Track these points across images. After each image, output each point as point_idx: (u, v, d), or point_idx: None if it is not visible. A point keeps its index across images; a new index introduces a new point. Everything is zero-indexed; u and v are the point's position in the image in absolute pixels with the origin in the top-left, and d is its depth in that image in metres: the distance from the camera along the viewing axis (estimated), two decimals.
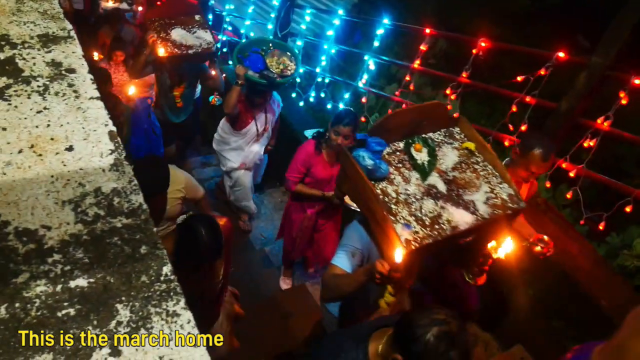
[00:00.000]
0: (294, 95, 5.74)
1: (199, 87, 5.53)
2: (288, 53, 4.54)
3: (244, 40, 5.16)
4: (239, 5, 7.10)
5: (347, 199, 3.60)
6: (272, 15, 6.25)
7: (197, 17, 4.74)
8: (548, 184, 3.74)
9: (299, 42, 5.62)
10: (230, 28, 7.11)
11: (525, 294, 3.60)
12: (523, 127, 3.73)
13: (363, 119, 5.30)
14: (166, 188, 2.95)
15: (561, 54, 3.44)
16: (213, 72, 4.94)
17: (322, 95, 5.57)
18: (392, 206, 2.16)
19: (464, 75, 4.01)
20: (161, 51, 4.34)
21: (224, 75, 5.52)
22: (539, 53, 3.64)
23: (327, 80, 5.45)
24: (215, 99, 5.07)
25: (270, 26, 6.00)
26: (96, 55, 5.98)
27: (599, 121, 3.38)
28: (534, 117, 3.74)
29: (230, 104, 4.38)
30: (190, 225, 2.65)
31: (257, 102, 4.57)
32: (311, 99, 5.72)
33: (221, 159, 4.97)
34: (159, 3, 5.22)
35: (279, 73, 4.35)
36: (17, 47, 1.36)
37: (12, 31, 1.40)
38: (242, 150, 4.80)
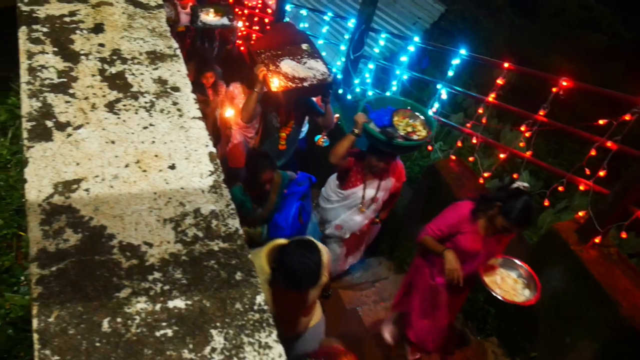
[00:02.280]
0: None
1: (306, 126, 5.00)
2: (423, 118, 3.90)
3: (373, 95, 4.41)
4: (313, 25, 7.21)
5: (488, 279, 3.26)
6: (346, 37, 6.32)
7: (304, 45, 4.23)
8: (624, 235, 3.57)
9: (371, 66, 5.64)
10: None
11: (590, 348, 3.44)
12: (601, 173, 3.58)
13: (430, 147, 5.25)
14: (317, 280, 2.48)
15: None
16: (325, 108, 4.27)
17: None
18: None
19: (541, 113, 3.90)
20: (274, 85, 3.85)
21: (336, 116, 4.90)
22: (624, 97, 3.49)
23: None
24: (322, 140, 4.56)
25: (343, 47, 6.05)
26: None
27: None
28: (614, 164, 3.59)
29: (339, 153, 3.71)
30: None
31: (374, 164, 3.83)
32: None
33: (319, 212, 4.30)
34: (255, 31, 4.97)
35: (404, 134, 3.65)
36: (127, 63, 1.41)
37: (123, 46, 1.45)
38: (340, 215, 4.12)
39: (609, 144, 3.54)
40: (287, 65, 3.97)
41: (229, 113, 5.07)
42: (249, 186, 3.66)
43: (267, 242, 3.84)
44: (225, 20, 6.01)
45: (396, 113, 3.84)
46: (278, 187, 3.75)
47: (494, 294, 3.18)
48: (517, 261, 3.38)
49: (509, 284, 3.34)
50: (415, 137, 3.69)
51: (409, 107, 3.93)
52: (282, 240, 2.62)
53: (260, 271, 2.47)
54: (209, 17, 5.81)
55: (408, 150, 4.17)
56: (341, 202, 4.07)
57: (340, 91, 5.90)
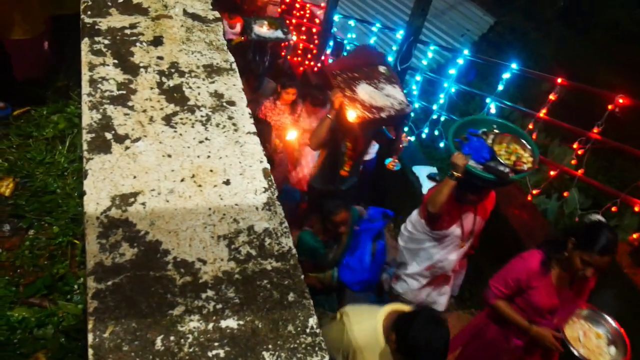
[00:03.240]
0: (406, 129, 5.68)
1: (375, 146, 4.80)
2: (522, 140, 3.31)
3: (459, 119, 3.78)
4: (361, 35, 7.19)
5: (568, 334, 2.97)
6: (394, 48, 6.28)
7: (382, 68, 3.83)
8: None
9: (418, 78, 5.58)
10: None
11: None
12: None
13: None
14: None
15: None
16: (396, 134, 4.01)
17: (436, 132, 5.47)
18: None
19: (594, 130, 3.78)
20: (352, 116, 3.50)
21: (405, 138, 4.49)
22: None
23: (442, 119, 5.35)
24: (393, 163, 4.20)
25: (390, 59, 6.01)
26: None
27: None
28: None
29: (440, 202, 3.20)
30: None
31: (471, 199, 3.41)
32: (423, 135, 5.63)
33: (402, 254, 3.71)
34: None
35: (511, 165, 3.11)
36: (184, 76, 1.42)
37: (181, 59, 1.46)
38: (434, 257, 3.60)
39: None
40: (364, 91, 3.63)
41: (292, 135, 4.86)
42: (319, 230, 3.39)
43: (338, 285, 3.69)
44: (279, 33, 5.86)
45: (488, 138, 3.29)
46: (348, 225, 3.48)
47: (575, 354, 2.86)
48: (604, 314, 3.07)
49: (593, 341, 2.99)
50: (524, 167, 3.14)
51: (494, 127, 3.38)
52: (403, 307, 2.38)
53: (373, 341, 2.29)
54: (263, 29, 5.69)
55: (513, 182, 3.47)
56: (434, 242, 3.53)
57: None
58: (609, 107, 3.67)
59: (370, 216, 3.69)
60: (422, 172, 5.03)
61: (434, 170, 5.12)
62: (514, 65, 4.48)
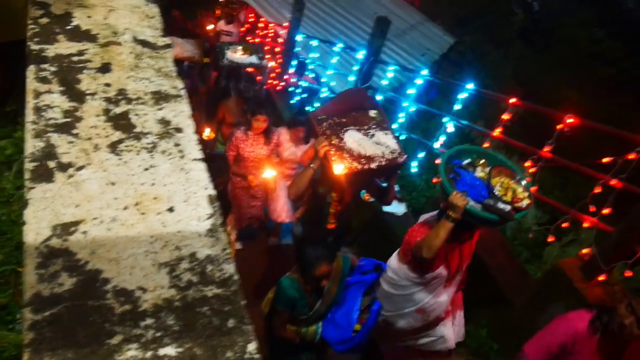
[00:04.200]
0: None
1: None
2: (514, 174, 3.00)
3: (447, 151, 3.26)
4: (324, 55, 7.28)
5: None
6: (355, 67, 6.37)
7: (372, 112, 3.53)
8: (629, 273, 3.54)
9: (379, 97, 5.68)
10: (312, 75, 7.29)
11: None
12: (606, 211, 3.57)
13: (435, 180, 5.25)
14: None
15: None
16: (388, 184, 3.67)
17: None
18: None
19: (546, 149, 3.91)
20: (339, 167, 3.18)
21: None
22: (629, 136, 3.50)
23: (402, 137, 5.44)
24: (369, 196, 4.08)
25: (351, 78, 6.10)
26: (207, 132, 5.47)
27: None
28: (618, 201, 3.58)
29: (436, 247, 2.87)
30: None
31: (464, 238, 3.11)
32: None
33: (389, 300, 3.34)
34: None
35: (510, 202, 2.83)
36: (132, 103, 1.44)
37: (129, 86, 1.48)
38: (423, 301, 3.27)
39: (613, 182, 3.53)
40: (352, 139, 3.33)
41: (270, 174, 4.59)
42: (302, 278, 3.01)
43: (320, 342, 3.22)
44: (254, 59, 5.72)
45: (475, 170, 3.06)
46: (339, 275, 3.17)
47: None
48: None
49: None
50: (523, 203, 2.85)
51: (477, 156, 3.11)
52: None
53: None
54: (237, 55, 5.57)
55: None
56: (419, 287, 3.23)
57: None
58: (558, 126, 3.80)
59: (362, 267, 3.31)
60: None
61: (395, 187, 5.20)
62: (469, 86, 4.61)
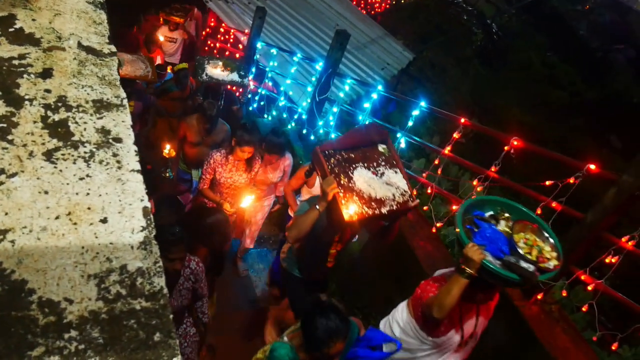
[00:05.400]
0: None
1: None
2: (544, 233, 2.72)
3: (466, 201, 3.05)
4: (283, 63, 7.32)
5: None
6: (313, 78, 6.43)
7: (381, 147, 3.25)
8: (564, 293, 3.69)
9: (335, 109, 5.75)
10: (270, 83, 7.32)
11: None
12: None
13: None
14: None
15: (592, 167, 3.45)
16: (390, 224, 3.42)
17: None
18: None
19: (492, 169, 4.04)
20: (349, 214, 2.86)
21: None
22: (570, 161, 3.65)
23: None
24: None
25: (309, 89, 6.16)
26: (167, 149, 5.15)
27: (623, 240, 3.36)
28: (558, 223, 3.72)
29: (449, 305, 2.59)
30: None
31: (479, 299, 2.85)
32: None
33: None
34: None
35: (534, 261, 2.51)
36: (71, 110, 1.43)
37: (69, 93, 1.47)
38: None
39: (554, 204, 3.68)
40: (362, 179, 3.02)
41: (247, 202, 4.38)
42: (306, 353, 2.62)
43: None
44: (235, 76, 5.52)
45: (499, 224, 2.77)
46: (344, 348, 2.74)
47: None
48: None
49: None
50: (550, 264, 2.56)
51: (501, 209, 2.85)
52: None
53: None
54: (217, 71, 5.36)
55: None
56: (430, 351, 2.98)
57: (304, 131, 5.97)
58: (505, 148, 3.94)
59: (369, 338, 2.83)
60: None
61: None
62: (422, 104, 4.72)
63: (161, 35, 7.82)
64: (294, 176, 4.45)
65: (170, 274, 3.09)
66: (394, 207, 2.99)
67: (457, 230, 2.64)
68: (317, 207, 3.05)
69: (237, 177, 4.49)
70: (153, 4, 8.88)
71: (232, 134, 4.94)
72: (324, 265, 3.58)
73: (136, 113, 5.57)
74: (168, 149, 5.19)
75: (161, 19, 8.27)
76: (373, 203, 2.95)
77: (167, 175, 5.17)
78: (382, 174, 3.11)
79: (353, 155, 3.12)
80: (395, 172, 3.17)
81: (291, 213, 4.52)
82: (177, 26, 7.92)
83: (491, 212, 2.81)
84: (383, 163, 3.17)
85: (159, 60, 7.46)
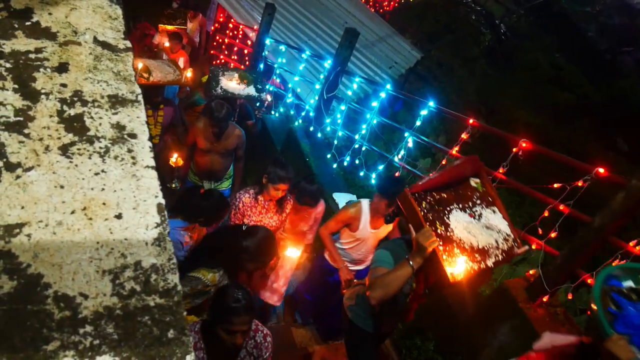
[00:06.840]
0: (328, 156, 5.82)
1: None
2: None
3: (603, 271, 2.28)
4: (292, 60, 7.31)
5: None
6: (322, 76, 6.42)
7: (473, 182, 2.80)
8: (570, 296, 3.68)
9: (343, 107, 5.75)
10: (278, 80, 7.32)
11: None
12: (553, 234, 3.71)
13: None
14: None
15: (601, 170, 3.44)
16: None
17: (357, 161, 5.64)
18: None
19: (500, 170, 4.03)
20: (454, 272, 2.39)
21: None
22: (578, 164, 3.64)
23: (364, 148, 5.52)
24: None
25: (317, 86, 6.15)
26: (175, 157, 4.74)
27: (631, 244, 3.35)
28: (566, 225, 3.71)
29: None
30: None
31: None
32: (345, 163, 5.79)
33: None
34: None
35: None
36: (87, 105, 1.43)
37: (85, 88, 1.47)
38: None
39: (561, 207, 3.67)
40: (460, 225, 2.53)
41: (294, 253, 3.99)
42: None
43: None
44: (251, 90, 5.10)
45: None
46: None
47: None
48: None
49: None
50: None
51: None
52: None
53: None
54: (232, 83, 5.01)
55: None
56: None
57: (312, 129, 5.97)
58: (513, 150, 3.93)
59: None
60: (342, 199, 5.17)
61: (353, 198, 5.27)
62: (431, 103, 4.71)
63: (157, 41, 7.82)
64: (334, 219, 3.96)
65: (228, 349, 2.64)
66: (500, 257, 2.52)
67: (594, 307, 1.98)
68: (411, 263, 2.53)
69: (268, 220, 3.98)
70: (143, 12, 8.77)
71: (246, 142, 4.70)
72: (398, 319, 3.24)
73: (166, 123, 5.17)
74: (175, 158, 4.87)
75: (160, 28, 8.20)
76: (477, 255, 2.46)
77: (174, 186, 4.89)
78: (480, 215, 2.65)
79: (445, 196, 2.63)
80: (494, 211, 2.72)
81: (326, 256, 4.17)
82: (179, 36, 7.76)
83: (631, 284, 2.08)
84: (478, 201, 2.71)
85: (181, 62, 7.35)
